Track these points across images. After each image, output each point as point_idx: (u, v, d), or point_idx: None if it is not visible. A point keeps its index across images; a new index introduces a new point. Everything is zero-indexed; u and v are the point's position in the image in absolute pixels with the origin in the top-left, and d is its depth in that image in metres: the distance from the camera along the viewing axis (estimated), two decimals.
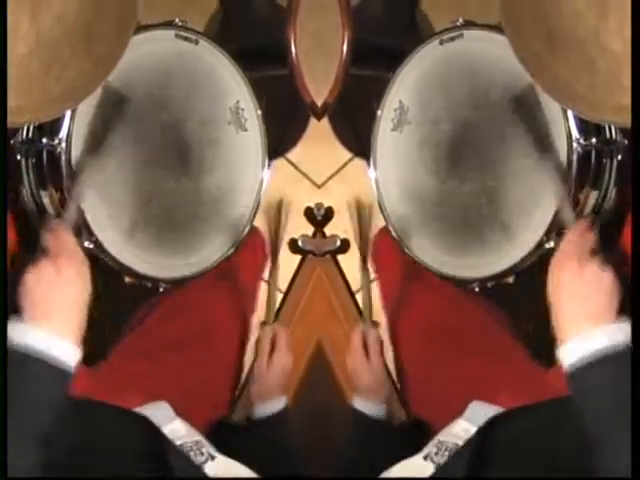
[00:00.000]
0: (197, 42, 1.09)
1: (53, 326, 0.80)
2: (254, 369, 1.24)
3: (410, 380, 1.27)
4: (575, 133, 1.00)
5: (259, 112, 1.14)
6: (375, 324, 1.27)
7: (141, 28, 1.03)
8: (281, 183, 1.44)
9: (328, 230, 1.56)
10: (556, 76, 0.91)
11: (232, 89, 1.14)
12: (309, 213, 1.54)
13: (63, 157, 0.99)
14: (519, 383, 1.05)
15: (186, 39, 1.09)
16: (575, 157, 1.00)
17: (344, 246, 1.56)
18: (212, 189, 1.15)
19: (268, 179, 1.18)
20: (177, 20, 1.09)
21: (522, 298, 1.15)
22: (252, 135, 1.16)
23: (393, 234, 1.22)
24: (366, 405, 1.21)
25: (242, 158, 1.17)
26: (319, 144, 1.47)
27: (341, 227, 1.55)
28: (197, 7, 1.43)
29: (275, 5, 1.47)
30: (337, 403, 1.36)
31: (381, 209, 1.22)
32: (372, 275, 1.48)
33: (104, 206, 1.04)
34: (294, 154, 1.50)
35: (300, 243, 1.51)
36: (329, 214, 1.54)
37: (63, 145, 0.99)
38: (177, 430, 0.94)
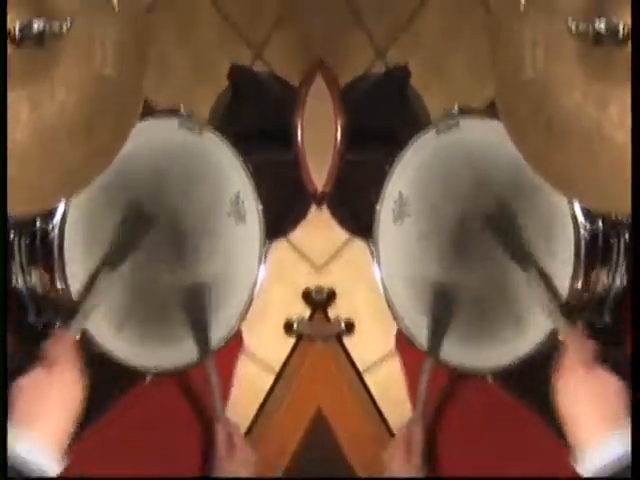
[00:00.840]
0: (201, 132, 1.08)
1: (39, 435, 0.80)
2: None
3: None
4: (581, 218, 1.00)
5: (260, 207, 1.13)
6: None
7: (145, 114, 1.02)
8: (279, 266, 1.42)
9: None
10: (559, 169, 0.90)
11: (233, 180, 1.12)
12: (307, 296, 1.50)
13: (56, 242, 0.99)
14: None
15: (189, 128, 1.08)
16: (583, 243, 1.00)
17: (349, 328, 1.52)
18: (207, 280, 1.13)
19: (263, 275, 1.16)
20: (182, 109, 1.08)
21: (537, 380, 1.12)
22: (251, 228, 1.14)
23: (401, 327, 1.19)
24: None
25: (239, 251, 1.15)
26: (319, 229, 1.45)
27: (342, 309, 1.52)
28: (206, 85, 1.43)
29: (285, 85, 1.47)
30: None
31: (387, 302, 1.19)
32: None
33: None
34: (293, 237, 1.47)
35: (295, 326, 1.46)
36: (331, 296, 1.51)
37: (57, 231, 0.99)
38: None
